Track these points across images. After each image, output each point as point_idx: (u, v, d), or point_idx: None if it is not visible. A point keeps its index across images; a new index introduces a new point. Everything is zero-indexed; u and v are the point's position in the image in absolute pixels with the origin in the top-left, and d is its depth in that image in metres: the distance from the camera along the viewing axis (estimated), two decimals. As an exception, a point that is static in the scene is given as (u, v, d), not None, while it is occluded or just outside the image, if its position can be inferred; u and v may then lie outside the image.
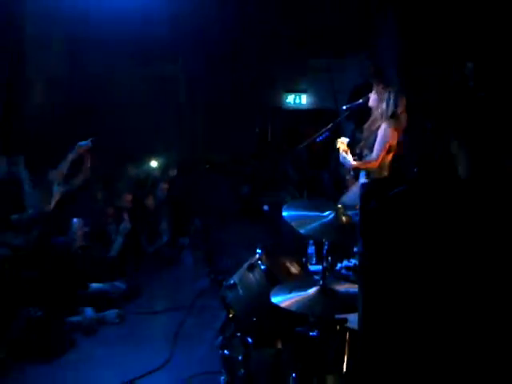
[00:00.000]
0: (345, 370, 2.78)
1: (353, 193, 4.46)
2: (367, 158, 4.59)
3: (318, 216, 2.88)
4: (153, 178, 8.24)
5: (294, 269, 3.56)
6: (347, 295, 2.75)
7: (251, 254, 3.45)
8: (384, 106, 4.58)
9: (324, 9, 8.35)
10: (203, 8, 8.00)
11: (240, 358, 3.13)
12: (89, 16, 7.72)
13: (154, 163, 8.48)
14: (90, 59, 8.53)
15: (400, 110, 4.60)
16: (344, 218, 2.86)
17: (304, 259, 4.25)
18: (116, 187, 6.88)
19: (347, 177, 4.96)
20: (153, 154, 8.58)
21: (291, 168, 8.42)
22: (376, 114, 4.64)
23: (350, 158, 4.64)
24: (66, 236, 5.24)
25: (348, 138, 4.78)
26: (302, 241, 4.63)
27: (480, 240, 1.77)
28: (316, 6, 8.33)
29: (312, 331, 2.80)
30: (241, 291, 3.32)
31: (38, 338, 4.25)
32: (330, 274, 2.91)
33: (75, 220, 5.38)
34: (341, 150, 4.66)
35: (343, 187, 5.29)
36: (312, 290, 2.76)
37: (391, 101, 4.58)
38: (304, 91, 10.24)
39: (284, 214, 2.94)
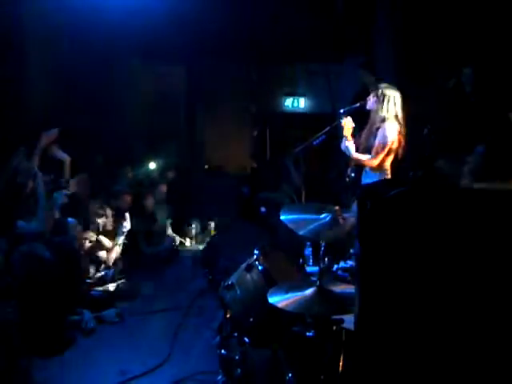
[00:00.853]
0: (341, 370, 2.78)
1: None
2: (365, 156, 4.60)
3: (316, 218, 2.89)
4: (151, 179, 8.23)
5: (291, 270, 3.56)
6: (344, 296, 2.76)
7: (249, 255, 3.45)
8: (385, 108, 4.59)
9: (322, 14, 8.36)
10: (204, 10, 8.00)
11: (237, 357, 3.13)
12: (90, 15, 7.71)
13: (152, 165, 8.47)
14: (90, 59, 8.52)
15: (400, 113, 4.62)
16: (341, 220, 2.87)
17: (301, 260, 4.25)
18: (115, 188, 6.85)
19: (347, 179, 4.97)
20: (152, 156, 8.57)
21: (293, 170, 8.43)
22: (375, 117, 4.64)
23: (352, 148, 4.64)
24: (66, 236, 5.19)
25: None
26: (299, 242, 4.64)
27: (475, 242, 1.78)
28: (314, 11, 8.35)
29: (308, 331, 2.80)
30: (238, 292, 3.32)
31: (38, 335, 4.23)
32: (327, 275, 2.90)
33: (71, 220, 5.32)
34: (345, 133, 4.65)
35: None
36: (309, 291, 2.76)
37: (391, 103, 4.59)
38: (302, 95, 10.25)
39: (282, 217, 2.95)
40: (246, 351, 3.11)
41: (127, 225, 6.06)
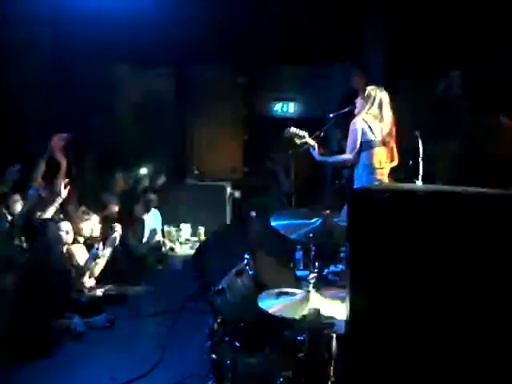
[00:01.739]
0: (332, 374, 2.78)
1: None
2: (340, 157, 4.74)
3: (306, 223, 2.91)
4: (142, 186, 8.19)
5: (282, 274, 3.56)
6: (334, 300, 2.76)
7: (239, 260, 3.44)
8: (367, 108, 4.65)
9: (311, 18, 8.40)
10: (193, 14, 8.01)
11: (228, 362, 3.12)
12: (79, 18, 7.69)
13: (143, 170, 8.43)
14: (79, 63, 8.50)
15: (387, 111, 4.66)
16: (331, 223, 2.89)
17: (291, 264, 4.25)
18: (103, 197, 6.80)
19: (336, 181, 5.06)
20: (142, 160, 8.53)
21: (282, 175, 8.45)
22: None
23: (316, 152, 4.80)
24: (45, 237, 5.09)
25: (334, 146, 4.88)
26: (290, 246, 4.64)
27: (466, 245, 1.78)
28: (304, 15, 8.38)
29: (299, 335, 2.80)
30: (229, 296, 3.31)
31: (23, 337, 4.20)
32: (318, 279, 2.90)
33: (51, 223, 5.24)
34: (299, 143, 4.79)
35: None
36: (299, 295, 2.76)
37: (376, 101, 4.64)
38: (292, 100, 10.27)
39: (272, 223, 2.96)
40: (236, 356, 3.10)
41: (117, 236, 5.94)
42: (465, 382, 1.81)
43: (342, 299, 2.65)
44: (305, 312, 2.65)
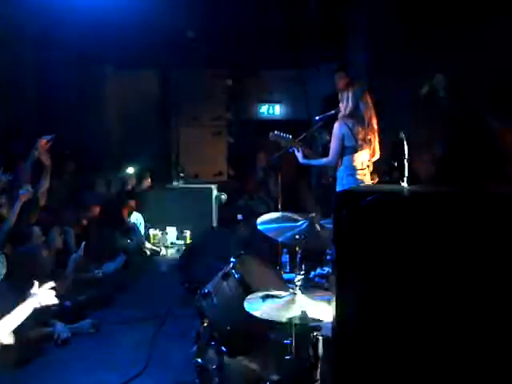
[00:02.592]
0: (319, 376, 2.78)
1: None
2: (323, 160, 4.80)
3: (293, 226, 2.92)
4: (128, 190, 8.15)
5: (268, 277, 3.55)
6: (320, 303, 2.76)
7: (226, 263, 3.44)
8: (344, 104, 4.69)
9: (297, 20, 8.43)
10: (178, 16, 7.99)
11: (214, 366, 3.10)
12: (64, 22, 7.65)
13: (130, 169, 8.39)
14: (63, 65, 8.45)
15: (364, 107, 4.69)
16: (318, 226, 2.89)
17: (278, 268, 4.26)
18: (84, 198, 6.75)
19: (323, 180, 5.11)
20: (126, 162, 8.49)
21: (268, 178, 8.45)
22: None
23: (299, 156, 4.90)
24: (31, 244, 5.02)
25: (321, 149, 4.92)
26: (276, 250, 4.64)
27: (450, 246, 1.79)
28: (289, 18, 8.41)
29: (286, 339, 2.80)
30: (215, 300, 3.30)
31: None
32: (304, 282, 2.91)
33: (35, 228, 5.19)
34: (295, 149, 4.84)
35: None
36: (286, 298, 2.76)
37: (350, 98, 4.68)
38: (278, 102, 10.29)
39: (260, 227, 2.96)
40: (223, 360, 3.09)
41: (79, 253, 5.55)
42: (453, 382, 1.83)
43: (329, 301, 2.65)
44: (294, 314, 2.65)
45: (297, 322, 2.69)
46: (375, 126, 4.80)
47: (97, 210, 6.62)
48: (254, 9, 8.26)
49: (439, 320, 1.80)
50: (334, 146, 4.72)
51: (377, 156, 4.88)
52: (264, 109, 10.39)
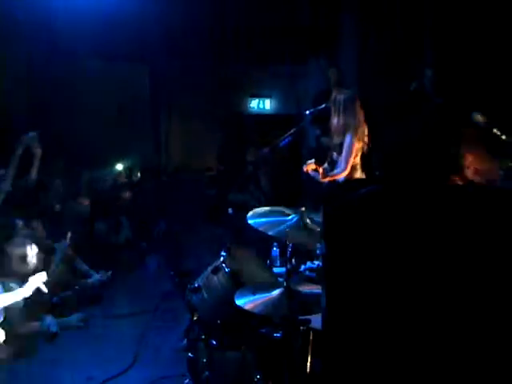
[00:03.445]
0: (309, 370, 2.80)
1: None
2: (335, 171, 4.65)
3: (283, 220, 2.93)
4: (118, 184, 8.13)
5: (259, 271, 3.56)
6: (310, 296, 2.77)
7: (215, 257, 3.44)
8: (342, 117, 4.60)
9: (287, 16, 8.44)
10: (167, 9, 7.97)
11: (204, 360, 3.11)
12: (52, 15, 7.60)
13: (119, 166, 8.37)
14: (52, 59, 8.39)
15: (359, 122, 4.62)
16: (307, 220, 2.90)
17: (268, 262, 4.27)
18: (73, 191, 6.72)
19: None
20: (116, 157, 8.46)
21: (259, 172, 8.46)
22: (333, 121, 4.69)
23: (318, 174, 4.72)
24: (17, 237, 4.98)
25: (312, 143, 4.87)
26: (266, 243, 4.65)
27: (441, 240, 1.81)
28: (279, 14, 8.42)
29: (276, 332, 2.81)
30: (205, 294, 3.30)
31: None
32: (294, 276, 2.92)
33: (18, 220, 5.14)
34: (310, 171, 4.72)
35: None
36: (276, 292, 2.77)
37: (341, 110, 4.62)
38: (268, 96, 10.29)
39: (250, 221, 2.97)
40: (213, 354, 3.10)
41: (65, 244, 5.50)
42: (443, 375, 1.84)
43: (319, 295, 2.67)
44: (284, 307, 2.66)
45: (287, 315, 2.71)
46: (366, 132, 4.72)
47: (86, 202, 6.56)
48: (244, 5, 8.28)
49: (430, 313, 1.82)
50: (346, 159, 4.61)
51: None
52: (254, 103, 10.38)
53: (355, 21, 7.49)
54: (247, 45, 8.96)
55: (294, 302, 2.70)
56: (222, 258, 3.36)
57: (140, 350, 4.40)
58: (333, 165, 4.72)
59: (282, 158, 7.51)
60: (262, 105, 10.40)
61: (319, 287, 2.84)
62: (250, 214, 3.03)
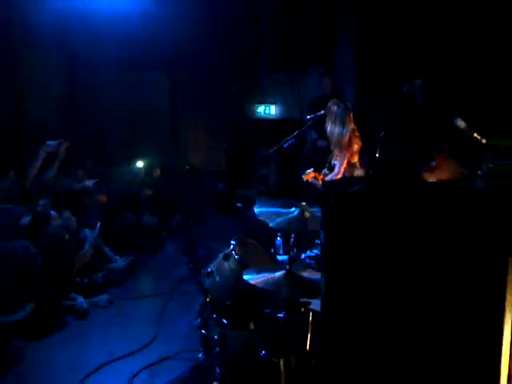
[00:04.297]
0: (308, 347, 2.80)
1: None
2: (333, 174, 4.58)
3: (285, 212, 2.95)
4: (139, 180, 8.14)
5: (265, 258, 3.57)
6: (310, 281, 2.77)
7: (226, 246, 3.46)
8: (336, 128, 4.47)
9: (289, 31, 8.48)
10: (191, 23, 8.01)
11: (216, 337, 3.13)
12: (80, 22, 7.60)
13: (140, 163, 8.39)
14: (78, 65, 8.41)
15: (352, 136, 4.48)
16: (307, 214, 2.92)
17: (272, 250, 4.26)
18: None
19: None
20: (138, 157, 8.49)
21: (265, 170, 8.46)
22: (328, 127, 4.60)
23: (318, 182, 4.63)
24: (49, 227, 4.98)
25: (309, 146, 4.82)
26: (271, 234, 4.64)
27: (433, 234, 1.80)
28: (282, 30, 8.48)
29: (279, 313, 2.81)
30: (217, 278, 3.31)
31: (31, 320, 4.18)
32: (296, 262, 2.93)
33: (53, 213, 5.16)
34: (310, 179, 4.63)
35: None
36: (279, 273, 2.78)
37: (336, 117, 4.50)
38: (273, 103, 10.27)
39: (256, 210, 2.98)
40: (224, 331, 3.11)
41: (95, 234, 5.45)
42: (437, 364, 1.83)
43: (317, 280, 2.67)
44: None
45: (289, 296, 2.72)
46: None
47: (104, 199, 6.55)
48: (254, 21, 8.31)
49: (426, 301, 1.81)
50: (339, 170, 4.53)
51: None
52: (261, 109, 10.37)
53: (352, 32, 7.45)
54: (254, 58, 9.03)
55: (295, 285, 2.70)
56: (231, 246, 3.37)
57: (159, 327, 4.42)
58: (331, 169, 4.67)
59: (286, 158, 7.50)
60: (267, 110, 10.38)
61: (317, 273, 2.85)
62: (257, 205, 3.06)
